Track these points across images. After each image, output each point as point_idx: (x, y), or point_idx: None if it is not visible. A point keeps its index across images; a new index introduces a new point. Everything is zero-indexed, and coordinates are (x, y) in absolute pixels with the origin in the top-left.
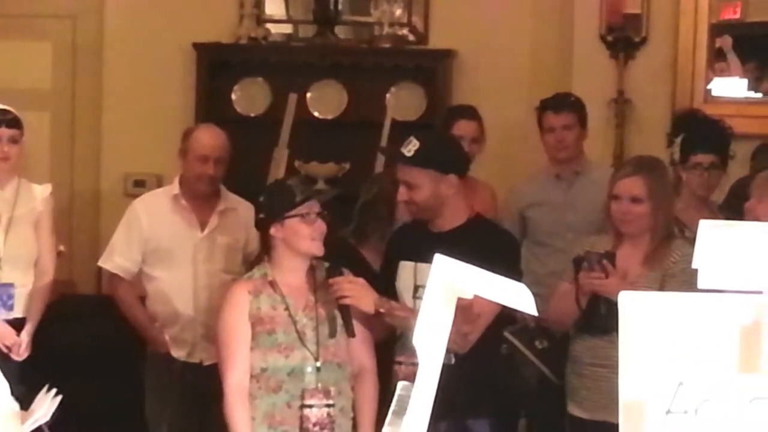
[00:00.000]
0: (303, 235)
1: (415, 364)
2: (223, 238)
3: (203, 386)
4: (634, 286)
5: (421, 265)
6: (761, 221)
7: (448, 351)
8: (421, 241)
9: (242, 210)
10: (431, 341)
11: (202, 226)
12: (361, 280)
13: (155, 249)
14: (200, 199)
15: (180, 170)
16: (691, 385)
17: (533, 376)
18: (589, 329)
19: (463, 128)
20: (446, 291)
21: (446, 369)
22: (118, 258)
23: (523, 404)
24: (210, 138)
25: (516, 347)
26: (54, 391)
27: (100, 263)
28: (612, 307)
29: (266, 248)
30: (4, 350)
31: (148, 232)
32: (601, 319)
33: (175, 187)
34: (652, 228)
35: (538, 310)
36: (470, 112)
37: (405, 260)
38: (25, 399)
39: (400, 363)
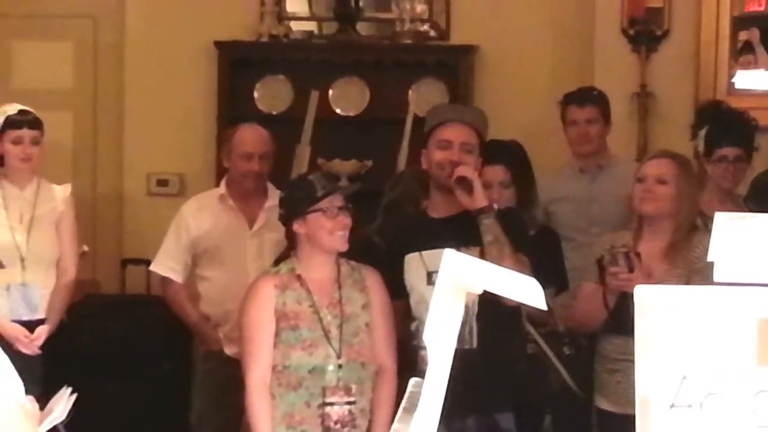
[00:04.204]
0: (325, 229)
1: None
2: (272, 235)
3: None
4: (659, 284)
5: (427, 253)
6: None
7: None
8: (423, 230)
9: None
10: (442, 336)
11: (251, 223)
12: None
13: (205, 250)
14: (247, 197)
15: (214, 171)
16: (696, 379)
17: (556, 382)
18: (618, 329)
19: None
20: (456, 285)
21: (468, 354)
22: (167, 261)
23: (547, 403)
24: (253, 135)
25: (543, 350)
26: (69, 390)
27: (151, 268)
28: None
29: (291, 244)
30: (17, 347)
31: (196, 234)
32: (630, 320)
33: (221, 188)
34: (674, 216)
35: (564, 306)
36: None
37: (409, 253)
38: (42, 399)
39: (425, 349)
